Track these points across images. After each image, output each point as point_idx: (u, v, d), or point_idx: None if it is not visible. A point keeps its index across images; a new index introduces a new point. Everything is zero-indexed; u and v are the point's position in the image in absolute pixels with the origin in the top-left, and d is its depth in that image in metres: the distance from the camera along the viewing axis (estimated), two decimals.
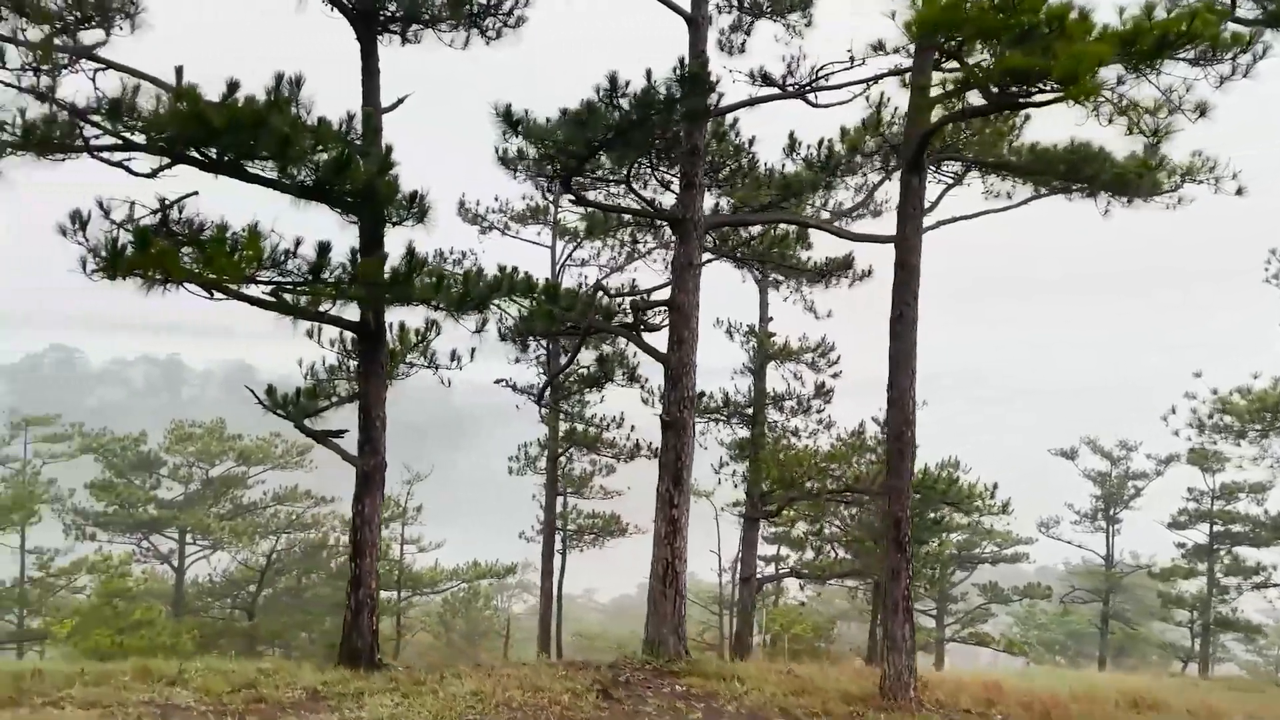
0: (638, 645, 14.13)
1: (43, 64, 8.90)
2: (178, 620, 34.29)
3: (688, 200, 13.65)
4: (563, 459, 27.89)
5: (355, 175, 9.55)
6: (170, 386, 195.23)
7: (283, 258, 9.23)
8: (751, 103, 13.86)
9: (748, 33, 14.55)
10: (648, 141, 12.05)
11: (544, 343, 17.98)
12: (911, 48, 11.69)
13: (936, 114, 12.08)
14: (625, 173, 13.85)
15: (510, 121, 10.83)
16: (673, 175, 14.66)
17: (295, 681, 9.88)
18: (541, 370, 27.04)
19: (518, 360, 26.28)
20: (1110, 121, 10.82)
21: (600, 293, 14.60)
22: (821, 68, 13.36)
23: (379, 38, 11.63)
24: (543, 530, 27.25)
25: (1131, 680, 20.00)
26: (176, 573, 40.41)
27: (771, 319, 26.46)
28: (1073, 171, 13.27)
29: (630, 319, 15.20)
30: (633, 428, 27.67)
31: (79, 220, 8.47)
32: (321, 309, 11.13)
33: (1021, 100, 9.94)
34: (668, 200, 15.06)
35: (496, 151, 11.99)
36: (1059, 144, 13.35)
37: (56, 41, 9.70)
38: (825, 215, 18.44)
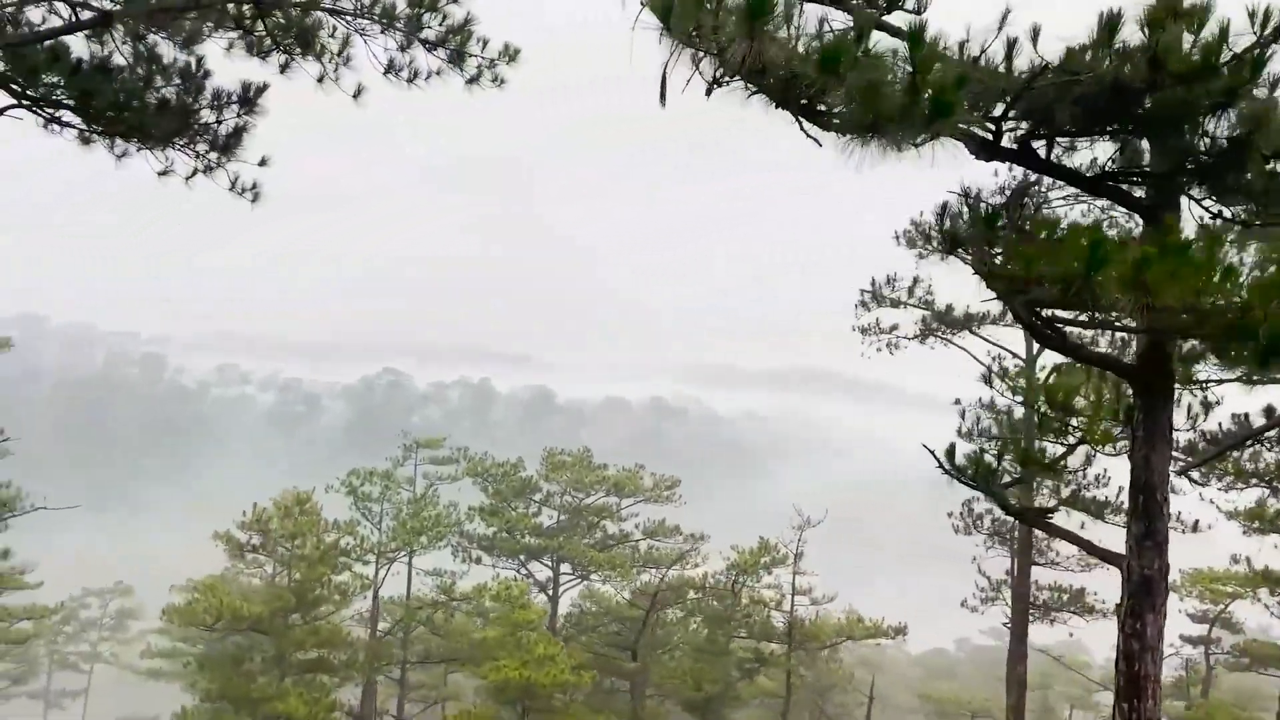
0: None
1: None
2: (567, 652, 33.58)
3: None
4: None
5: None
6: (478, 410, 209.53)
7: None
8: None
9: None
10: None
11: None
12: None
13: None
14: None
15: None
16: None
17: None
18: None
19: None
20: None
21: None
22: None
23: None
24: (1011, 603, 23.17)
25: None
26: (551, 601, 40.28)
27: None
28: None
29: None
30: (1120, 487, 23.13)
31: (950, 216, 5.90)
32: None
33: None
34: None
35: None
36: None
37: None
38: None
